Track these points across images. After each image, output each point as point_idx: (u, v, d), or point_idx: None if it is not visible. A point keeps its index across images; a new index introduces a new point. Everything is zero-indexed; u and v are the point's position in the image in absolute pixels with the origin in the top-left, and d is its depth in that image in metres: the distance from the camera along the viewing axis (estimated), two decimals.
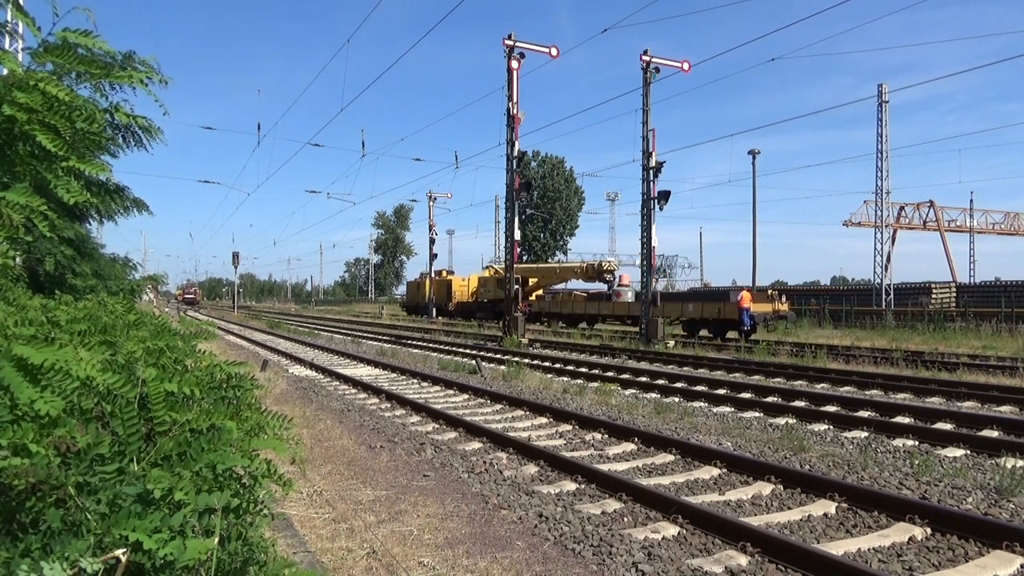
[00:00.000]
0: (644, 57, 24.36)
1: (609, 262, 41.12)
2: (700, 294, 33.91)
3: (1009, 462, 7.08)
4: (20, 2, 2.64)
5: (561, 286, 44.33)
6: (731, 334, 26.80)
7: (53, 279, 5.35)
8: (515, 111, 24.36)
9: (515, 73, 24.25)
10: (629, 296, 36.16)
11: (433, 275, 51.58)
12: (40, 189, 2.49)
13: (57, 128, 2.40)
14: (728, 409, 10.93)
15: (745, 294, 26.35)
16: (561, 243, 79.07)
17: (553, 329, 34.38)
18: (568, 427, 9.40)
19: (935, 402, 11.45)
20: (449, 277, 52.00)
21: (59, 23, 2.50)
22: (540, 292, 42.01)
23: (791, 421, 9.73)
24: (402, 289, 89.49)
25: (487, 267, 52.70)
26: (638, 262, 31.41)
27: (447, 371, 16.04)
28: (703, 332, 27.77)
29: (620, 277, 38.25)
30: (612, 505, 5.88)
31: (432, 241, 50.76)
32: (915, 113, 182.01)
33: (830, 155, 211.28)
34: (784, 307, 27.88)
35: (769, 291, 30.29)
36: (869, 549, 4.87)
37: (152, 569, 1.70)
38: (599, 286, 39.16)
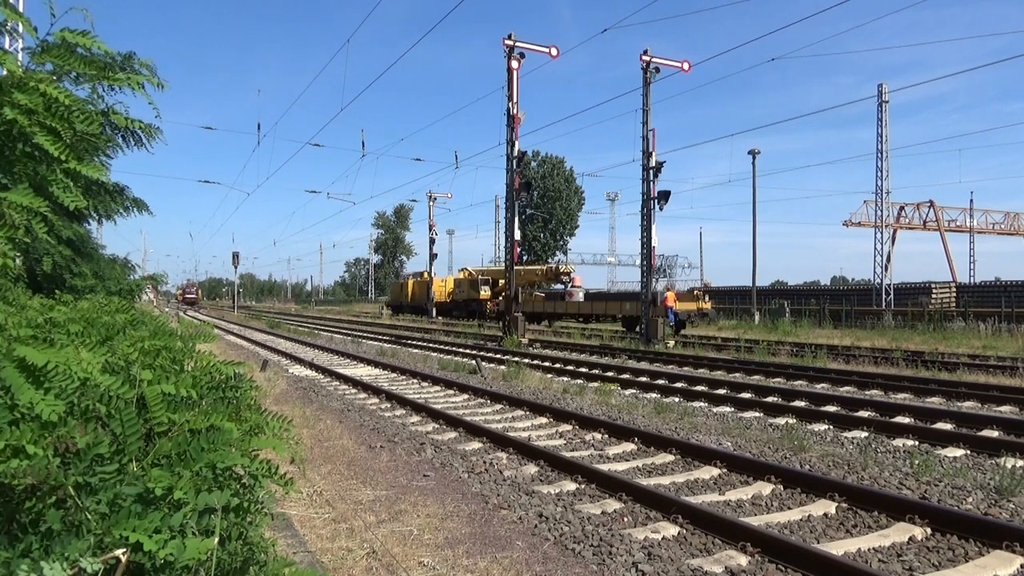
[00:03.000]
0: (644, 57, 24.36)
1: (567, 265, 46.20)
2: (635, 294, 37.09)
3: (1009, 462, 7.07)
4: (19, 6, 2.64)
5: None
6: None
7: (51, 279, 5.34)
8: (515, 111, 24.36)
9: (515, 73, 24.25)
10: (580, 296, 40.47)
11: (423, 276, 53.59)
12: (38, 189, 2.48)
13: (57, 130, 2.40)
14: (728, 409, 10.93)
15: (670, 294, 29.37)
16: (561, 243, 78.94)
17: (553, 329, 34.76)
18: (568, 427, 9.40)
19: (935, 402, 11.45)
20: (429, 278, 53.06)
21: (56, 23, 2.50)
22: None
23: (791, 421, 9.73)
24: None
25: (462, 269, 55.69)
26: (638, 262, 32.21)
27: (447, 371, 16.04)
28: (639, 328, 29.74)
29: (573, 279, 42.52)
30: (612, 505, 5.88)
31: (432, 241, 51.05)
32: (915, 113, 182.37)
33: (830, 155, 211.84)
34: (707, 306, 31.47)
35: (695, 291, 33.55)
36: (869, 549, 4.87)
37: (152, 569, 1.70)
38: (562, 287, 43.24)
